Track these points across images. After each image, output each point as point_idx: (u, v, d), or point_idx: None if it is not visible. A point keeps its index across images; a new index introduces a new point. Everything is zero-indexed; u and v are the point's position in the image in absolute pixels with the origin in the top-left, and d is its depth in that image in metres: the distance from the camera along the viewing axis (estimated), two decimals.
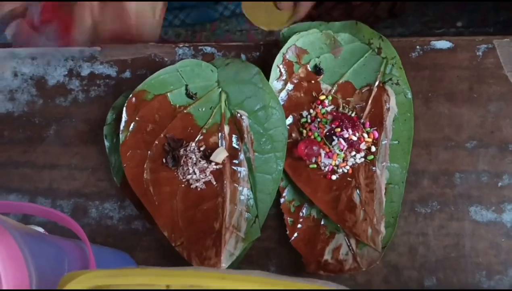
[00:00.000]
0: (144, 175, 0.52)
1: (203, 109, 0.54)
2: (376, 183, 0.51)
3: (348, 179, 0.51)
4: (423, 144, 0.51)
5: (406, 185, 0.50)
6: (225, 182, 0.52)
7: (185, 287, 0.28)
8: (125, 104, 0.52)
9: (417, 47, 0.53)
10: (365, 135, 0.51)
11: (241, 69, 0.53)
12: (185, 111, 0.54)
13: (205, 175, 0.52)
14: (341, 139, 0.50)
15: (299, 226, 0.51)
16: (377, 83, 0.52)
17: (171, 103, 0.53)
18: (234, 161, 0.52)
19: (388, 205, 0.50)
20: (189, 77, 0.54)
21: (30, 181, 0.56)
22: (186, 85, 0.54)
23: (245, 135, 0.52)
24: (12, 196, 0.56)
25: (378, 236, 0.49)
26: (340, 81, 0.53)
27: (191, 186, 0.52)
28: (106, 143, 0.54)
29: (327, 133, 0.51)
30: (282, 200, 0.52)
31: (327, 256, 0.50)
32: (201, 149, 0.52)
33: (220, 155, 0.51)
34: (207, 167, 0.52)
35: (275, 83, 0.52)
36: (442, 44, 0.53)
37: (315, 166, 0.51)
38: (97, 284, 0.29)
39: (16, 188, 0.56)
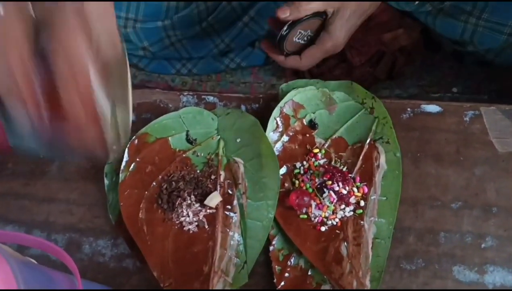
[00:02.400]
0: (139, 214, 0.54)
1: (202, 154, 0.56)
2: (363, 237, 0.52)
3: (337, 231, 0.53)
4: (410, 202, 0.53)
5: (392, 240, 0.52)
6: (217, 226, 0.53)
7: None
8: (128, 145, 0.54)
9: (408, 109, 0.56)
10: (355, 189, 0.53)
11: (240, 119, 0.56)
12: (184, 155, 0.56)
13: (198, 218, 0.53)
14: (331, 192, 0.52)
15: (286, 274, 0.52)
16: (368, 140, 0.55)
17: (172, 147, 0.56)
18: (227, 206, 0.54)
19: (374, 259, 0.51)
20: (190, 123, 0.56)
21: (28, 213, 0.58)
22: (187, 131, 0.56)
23: (240, 182, 0.54)
24: (9, 227, 0.57)
25: (363, 289, 0.50)
26: (334, 136, 0.56)
27: (184, 228, 0.53)
28: (106, 181, 0.56)
29: (319, 186, 0.53)
30: (271, 248, 0.53)
31: None
32: (196, 192, 0.54)
33: (214, 200, 0.53)
34: (201, 211, 0.53)
35: (272, 135, 0.55)
36: (432, 108, 0.56)
37: (306, 216, 0.53)
38: None
39: (13, 219, 0.58)
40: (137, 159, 0.55)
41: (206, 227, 0.53)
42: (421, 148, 0.55)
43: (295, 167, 0.55)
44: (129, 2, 0.96)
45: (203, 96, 0.60)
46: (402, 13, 0.96)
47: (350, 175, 0.54)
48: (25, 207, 0.58)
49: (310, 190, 0.53)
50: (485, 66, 0.93)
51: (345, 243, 0.52)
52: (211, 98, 0.60)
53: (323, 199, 0.52)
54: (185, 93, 0.61)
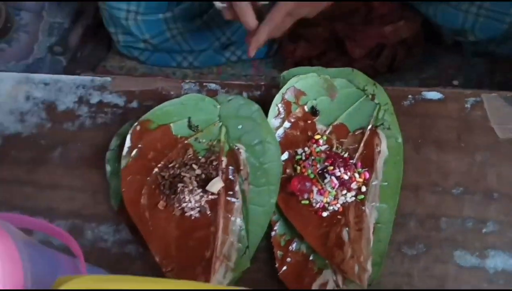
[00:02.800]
0: (141, 200, 0.54)
1: (203, 141, 0.56)
2: (365, 222, 0.52)
3: (338, 216, 0.53)
4: (411, 187, 0.53)
5: (394, 226, 0.52)
6: (219, 211, 0.53)
7: None
8: (130, 131, 0.55)
9: (409, 96, 0.56)
10: (357, 175, 0.53)
11: (242, 106, 0.56)
12: (186, 142, 0.56)
13: (200, 204, 0.54)
14: (333, 178, 0.52)
15: (288, 259, 0.52)
16: (369, 127, 0.55)
17: (173, 133, 0.56)
18: (229, 192, 0.54)
19: (376, 244, 0.52)
20: (192, 110, 0.57)
21: (31, 200, 0.58)
22: (189, 118, 0.57)
23: (242, 168, 0.54)
24: (13, 213, 0.57)
25: (365, 273, 0.51)
26: (335, 123, 0.56)
27: (186, 214, 0.54)
28: (108, 167, 0.56)
29: (320, 171, 0.53)
30: (273, 233, 0.53)
31: None
32: (198, 178, 0.54)
33: (215, 185, 0.53)
34: (203, 196, 0.54)
35: (273, 121, 0.55)
36: (433, 95, 0.56)
37: (307, 202, 0.53)
38: (89, 287, 0.30)
39: (17, 206, 0.58)
40: (139, 145, 0.55)
41: (208, 212, 0.54)
42: (422, 134, 0.55)
43: (296, 153, 0.55)
44: None
45: (205, 84, 0.60)
46: (403, 5, 0.96)
47: (351, 161, 0.54)
48: (29, 194, 0.58)
49: (312, 176, 0.53)
50: (486, 57, 0.93)
51: (347, 228, 0.52)
52: (213, 86, 0.60)
53: (325, 184, 0.52)
54: (187, 81, 0.61)
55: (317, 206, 0.53)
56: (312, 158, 0.54)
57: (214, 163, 0.55)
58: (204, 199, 0.54)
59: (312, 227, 0.53)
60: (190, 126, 0.57)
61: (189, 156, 0.56)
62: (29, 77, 0.63)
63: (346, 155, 0.54)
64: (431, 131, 0.55)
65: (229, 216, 0.53)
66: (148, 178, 0.55)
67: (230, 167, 0.55)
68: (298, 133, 0.55)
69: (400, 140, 0.54)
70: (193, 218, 0.54)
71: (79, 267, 0.44)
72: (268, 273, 0.53)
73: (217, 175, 0.54)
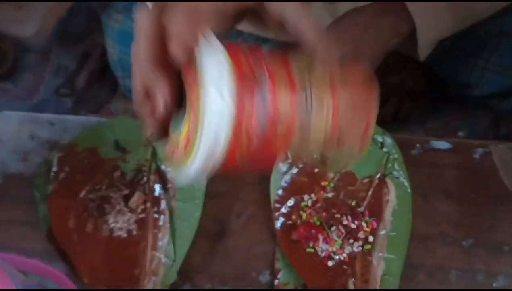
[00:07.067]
0: (69, 224, 0.54)
1: (131, 162, 0.57)
2: (371, 273, 0.51)
3: (344, 266, 0.51)
4: (420, 238, 0.52)
5: (402, 278, 0.50)
6: (147, 229, 0.54)
7: None
8: (56, 156, 0.56)
9: (417, 145, 0.56)
10: (364, 224, 0.52)
11: None
12: (113, 163, 0.57)
13: (129, 224, 0.54)
14: (340, 226, 0.51)
15: None
16: (378, 175, 0.54)
17: (101, 156, 0.57)
18: (156, 209, 0.54)
19: None
20: (119, 132, 0.58)
21: (29, 241, 0.56)
22: (116, 140, 0.58)
23: (169, 186, 0.55)
24: (8, 254, 0.56)
25: None
26: (343, 170, 0.55)
27: (114, 234, 0.54)
28: (36, 193, 0.56)
29: (326, 219, 0.52)
30: (276, 282, 0.51)
31: None
32: (126, 199, 0.55)
33: (135, 199, 0.54)
34: (131, 216, 0.54)
35: (281, 166, 0.55)
36: (441, 144, 0.56)
37: (313, 250, 0.52)
38: None
39: (14, 247, 0.56)
40: (66, 169, 0.56)
41: (137, 231, 0.54)
42: (432, 183, 0.54)
43: (303, 199, 0.54)
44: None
45: None
46: (406, 57, 0.97)
47: (359, 209, 0.53)
48: (26, 235, 0.57)
49: (318, 223, 0.52)
50: (491, 110, 0.93)
51: (353, 279, 0.51)
52: None
53: (331, 232, 0.51)
54: None
55: (323, 254, 0.51)
56: (319, 205, 0.53)
57: (141, 182, 0.56)
58: (132, 219, 0.54)
59: (317, 277, 0.51)
60: (117, 148, 0.57)
61: (117, 177, 0.56)
62: (35, 116, 0.63)
63: (353, 203, 0.53)
64: (440, 181, 0.54)
65: (157, 232, 0.54)
66: (75, 201, 0.55)
67: (157, 185, 0.55)
68: (306, 179, 0.55)
69: (409, 190, 0.53)
70: (122, 237, 0.54)
71: None
72: None
73: (144, 194, 0.55)
